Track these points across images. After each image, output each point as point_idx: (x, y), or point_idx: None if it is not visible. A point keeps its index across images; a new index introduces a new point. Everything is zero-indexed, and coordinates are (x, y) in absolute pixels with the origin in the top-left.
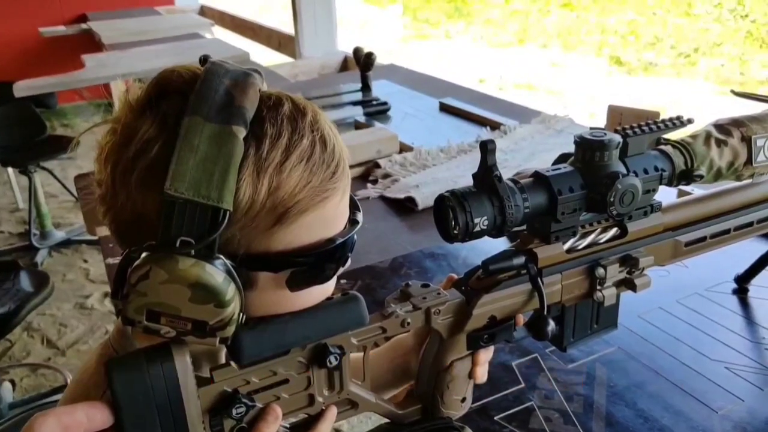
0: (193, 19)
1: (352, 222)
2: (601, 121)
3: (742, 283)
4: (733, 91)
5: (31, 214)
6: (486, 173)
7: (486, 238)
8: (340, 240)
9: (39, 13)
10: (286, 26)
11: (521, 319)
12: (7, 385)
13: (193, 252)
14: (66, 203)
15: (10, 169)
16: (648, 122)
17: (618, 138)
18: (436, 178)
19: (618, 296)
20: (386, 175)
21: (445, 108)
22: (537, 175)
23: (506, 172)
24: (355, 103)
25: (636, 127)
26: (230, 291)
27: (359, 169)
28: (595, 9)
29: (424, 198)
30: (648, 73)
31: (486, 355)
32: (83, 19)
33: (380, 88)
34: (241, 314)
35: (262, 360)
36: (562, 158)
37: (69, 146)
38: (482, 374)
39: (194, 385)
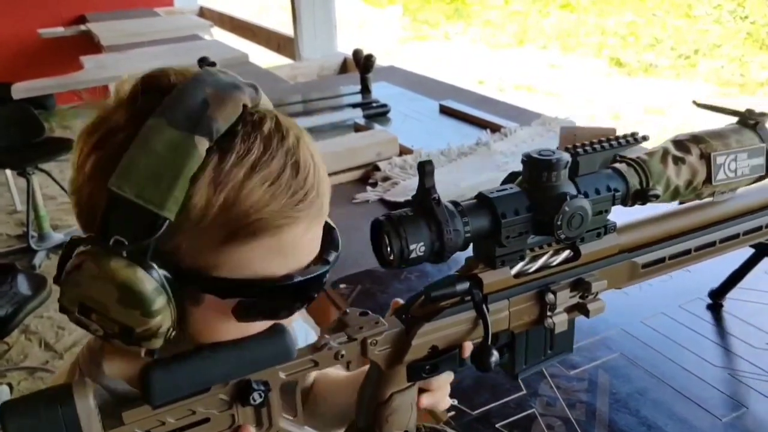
0: (192, 20)
1: (324, 262)
2: (601, 123)
3: (716, 299)
4: (695, 102)
5: (29, 216)
6: (424, 196)
7: None
8: (299, 278)
9: (38, 14)
10: (286, 27)
11: (468, 347)
12: (5, 388)
13: (124, 253)
14: (64, 205)
15: (8, 171)
16: (601, 140)
17: (567, 157)
18: (437, 180)
19: (572, 322)
20: (386, 178)
21: (445, 110)
22: (480, 197)
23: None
24: (354, 106)
25: (588, 145)
26: (159, 302)
27: (358, 172)
28: (595, 10)
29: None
30: (648, 75)
31: (439, 381)
32: (82, 20)
33: (380, 90)
34: (172, 330)
35: (178, 399)
36: (512, 177)
37: (67, 148)
38: (438, 401)
39: (100, 429)
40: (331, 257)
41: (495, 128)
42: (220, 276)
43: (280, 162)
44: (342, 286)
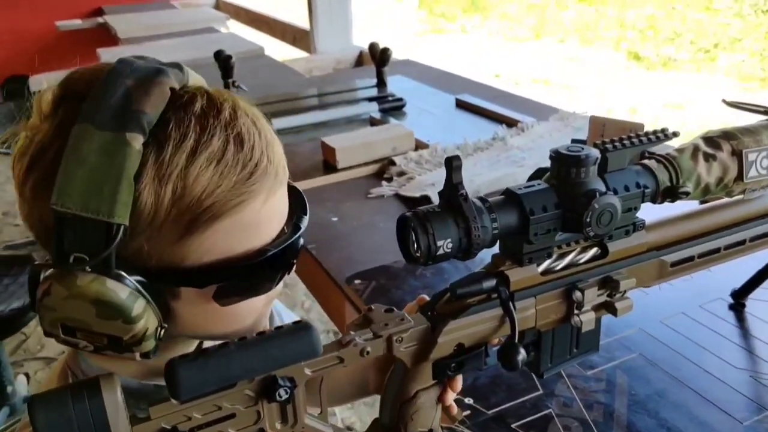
0: (208, 13)
1: (294, 227)
2: (620, 117)
3: (738, 299)
4: (724, 101)
5: None
6: (451, 192)
7: None
8: (271, 251)
9: (56, 7)
10: (302, 20)
11: (496, 342)
12: (22, 378)
13: (88, 268)
14: None
15: None
16: (630, 135)
17: (596, 153)
18: None
19: (598, 320)
20: (401, 173)
21: (461, 105)
22: (508, 193)
23: (524, 171)
24: (370, 99)
25: (617, 141)
26: (137, 307)
27: (374, 167)
28: (614, 3)
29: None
30: (667, 69)
31: (460, 381)
32: (99, 12)
33: (396, 84)
34: (160, 329)
35: (204, 395)
36: (539, 173)
37: None
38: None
39: (126, 422)
40: (303, 222)
41: (511, 123)
42: (190, 267)
43: (220, 138)
44: (357, 281)
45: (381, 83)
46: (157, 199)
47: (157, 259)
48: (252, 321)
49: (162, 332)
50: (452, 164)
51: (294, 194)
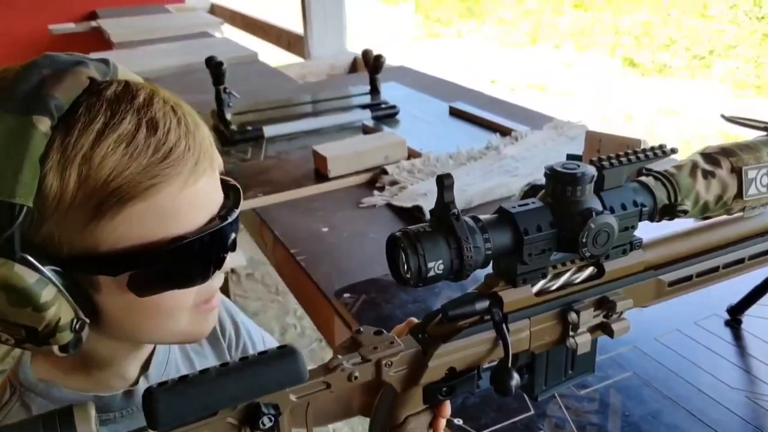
0: (203, 17)
1: (221, 218)
2: (615, 124)
3: (735, 315)
4: (723, 116)
5: None
6: (443, 210)
7: None
8: (189, 239)
9: (48, 10)
10: (297, 25)
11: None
12: None
13: None
14: None
15: None
16: (627, 152)
17: (593, 170)
18: None
19: (594, 342)
20: (393, 182)
21: (454, 112)
22: (501, 212)
23: (517, 181)
24: (363, 107)
25: (614, 158)
26: (46, 294)
27: (366, 176)
28: (609, 9)
29: (433, 207)
30: (662, 75)
31: (449, 406)
32: (93, 16)
33: (389, 91)
34: (77, 321)
35: (184, 424)
36: (533, 191)
37: None
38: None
39: None
40: (231, 215)
41: (505, 132)
42: (103, 253)
43: (131, 122)
44: (346, 295)
45: (374, 90)
46: (62, 182)
47: (69, 246)
48: (186, 322)
49: (79, 325)
50: (444, 183)
51: (233, 189)
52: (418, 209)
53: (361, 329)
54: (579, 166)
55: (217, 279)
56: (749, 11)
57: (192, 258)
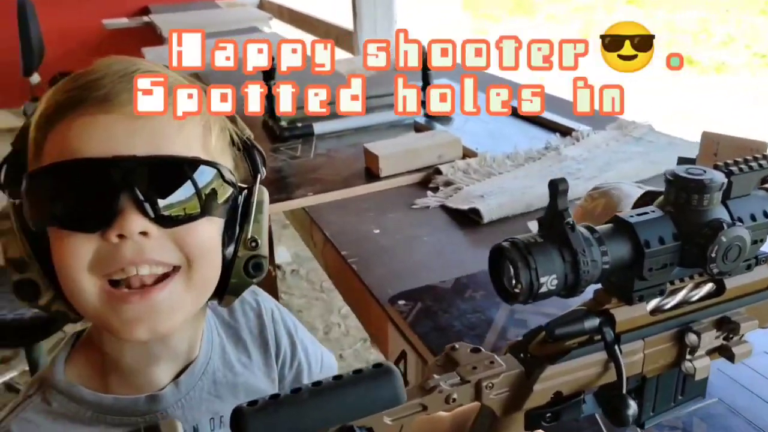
0: (252, 12)
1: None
2: (676, 127)
3: None
4: None
5: None
6: (555, 220)
7: None
8: (63, 163)
9: (102, 5)
10: (346, 21)
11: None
12: None
13: None
14: None
15: None
16: (756, 156)
17: (722, 177)
18: (503, 187)
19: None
20: (448, 183)
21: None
22: (618, 221)
23: (580, 183)
24: None
25: (742, 164)
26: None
27: (418, 175)
28: (664, 6)
29: (490, 210)
30: (720, 73)
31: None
32: (146, 11)
33: None
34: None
35: None
36: (648, 198)
37: None
38: None
39: None
40: (136, 175)
41: (566, 131)
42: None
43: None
44: (401, 302)
45: (426, 86)
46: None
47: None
48: (93, 298)
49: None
50: (558, 188)
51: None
52: (474, 212)
53: (456, 346)
54: (706, 171)
55: (124, 248)
56: None
57: (70, 191)
